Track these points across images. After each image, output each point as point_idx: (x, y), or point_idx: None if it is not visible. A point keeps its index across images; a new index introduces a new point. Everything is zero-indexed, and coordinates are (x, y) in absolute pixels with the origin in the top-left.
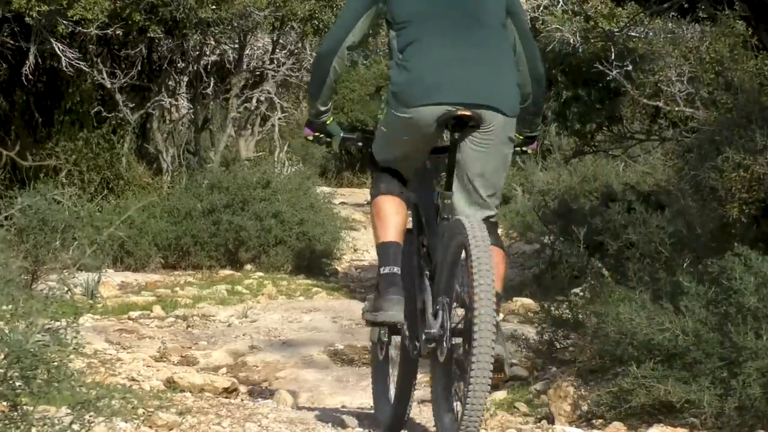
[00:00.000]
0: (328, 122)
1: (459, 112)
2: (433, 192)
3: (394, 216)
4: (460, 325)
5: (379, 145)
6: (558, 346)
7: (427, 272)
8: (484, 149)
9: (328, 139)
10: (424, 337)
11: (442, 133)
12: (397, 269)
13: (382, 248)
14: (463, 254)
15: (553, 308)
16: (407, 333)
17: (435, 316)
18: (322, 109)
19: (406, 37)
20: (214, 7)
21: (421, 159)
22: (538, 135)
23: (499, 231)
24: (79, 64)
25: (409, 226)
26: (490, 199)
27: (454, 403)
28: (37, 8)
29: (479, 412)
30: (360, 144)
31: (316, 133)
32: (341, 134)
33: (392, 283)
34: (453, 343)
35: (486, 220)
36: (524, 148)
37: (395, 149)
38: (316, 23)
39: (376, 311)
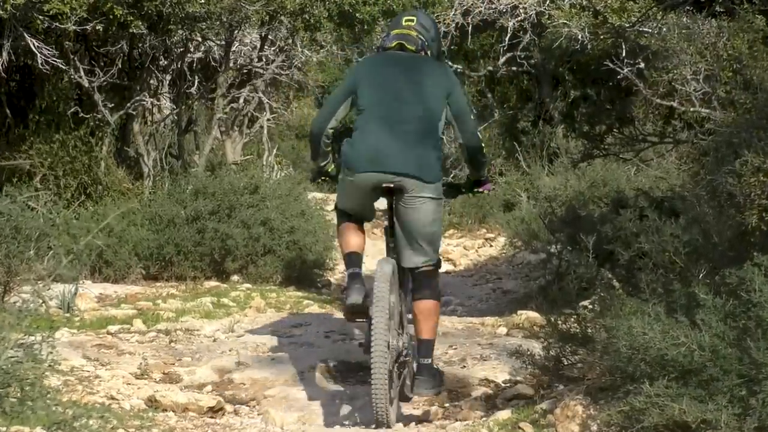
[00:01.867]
0: (329, 170)
1: (384, 185)
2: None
3: (353, 236)
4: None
5: (339, 198)
6: (565, 363)
7: None
8: (410, 207)
9: (332, 178)
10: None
11: (379, 194)
12: (358, 269)
13: (347, 256)
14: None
15: (560, 322)
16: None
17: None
18: (322, 164)
19: (358, 122)
20: (203, 0)
21: (368, 206)
22: (484, 179)
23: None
24: (55, 61)
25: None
26: (426, 247)
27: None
28: (11, 1)
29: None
30: None
31: (322, 177)
32: (340, 175)
33: (354, 278)
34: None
35: (421, 269)
36: (477, 190)
37: (349, 201)
38: (307, 18)
39: (346, 299)
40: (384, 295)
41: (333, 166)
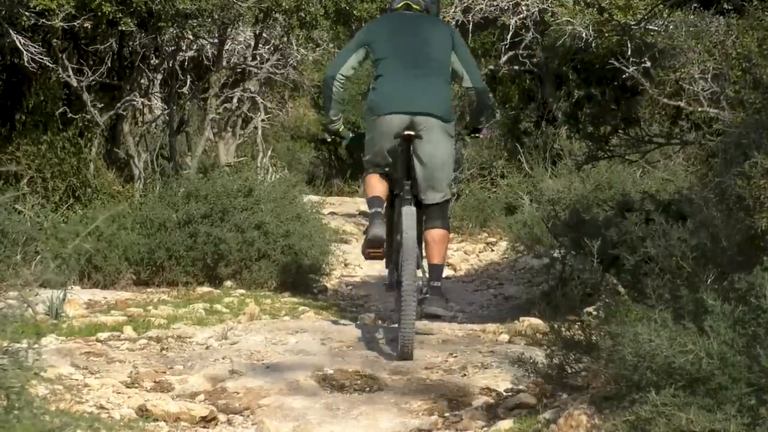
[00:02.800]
0: (339, 129)
1: (405, 133)
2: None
3: (377, 183)
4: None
5: (366, 149)
6: (569, 371)
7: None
8: (430, 143)
9: (341, 140)
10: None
11: (400, 135)
12: (380, 209)
13: (370, 199)
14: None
15: (563, 329)
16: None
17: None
18: (333, 118)
19: (378, 71)
20: None
21: (392, 145)
22: (482, 126)
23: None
24: (42, 59)
25: None
26: (443, 183)
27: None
28: None
29: (409, 326)
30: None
31: (333, 136)
32: (350, 136)
33: (376, 216)
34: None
35: (434, 205)
36: (474, 135)
37: (375, 146)
38: (303, 15)
39: (368, 233)
40: (412, 243)
41: (342, 125)
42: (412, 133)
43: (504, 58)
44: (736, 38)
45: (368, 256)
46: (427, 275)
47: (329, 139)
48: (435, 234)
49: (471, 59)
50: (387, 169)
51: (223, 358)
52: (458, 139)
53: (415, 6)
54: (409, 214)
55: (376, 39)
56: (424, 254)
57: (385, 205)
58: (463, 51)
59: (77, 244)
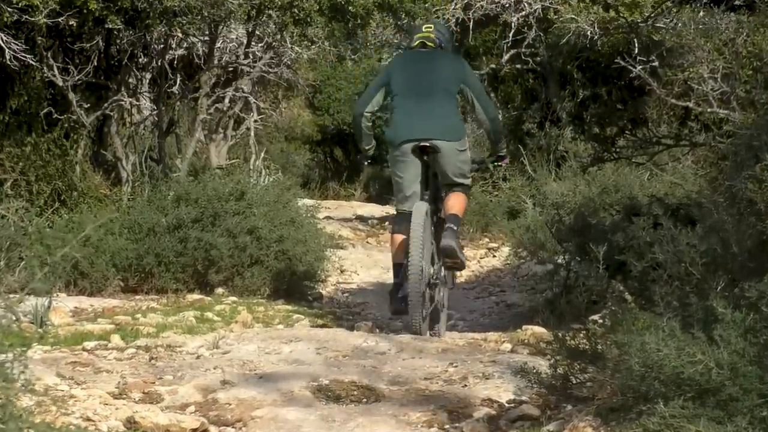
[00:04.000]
0: (372, 153)
1: (421, 144)
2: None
3: (403, 245)
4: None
5: (395, 192)
6: (574, 381)
7: None
8: (443, 161)
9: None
10: None
11: (418, 158)
12: (399, 280)
13: (394, 264)
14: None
15: (568, 338)
16: None
17: None
18: (366, 148)
19: (393, 104)
20: None
21: (415, 167)
22: (504, 154)
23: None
24: (26, 58)
25: None
26: (461, 177)
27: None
28: None
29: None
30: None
31: (367, 161)
32: (383, 157)
33: (397, 285)
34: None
35: (459, 183)
36: (497, 163)
37: (399, 179)
38: (297, 12)
39: (390, 298)
40: (419, 230)
41: (374, 150)
42: (427, 143)
43: (506, 57)
44: (747, 36)
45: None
46: (446, 219)
47: (366, 164)
48: (453, 194)
49: (482, 90)
50: (410, 208)
51: (214, 368)
52: (481, 167)
53: (429, 44)
54: (420, 207)
55: (393, 75)
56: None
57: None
58: (474, 81)
59: (66, 252)
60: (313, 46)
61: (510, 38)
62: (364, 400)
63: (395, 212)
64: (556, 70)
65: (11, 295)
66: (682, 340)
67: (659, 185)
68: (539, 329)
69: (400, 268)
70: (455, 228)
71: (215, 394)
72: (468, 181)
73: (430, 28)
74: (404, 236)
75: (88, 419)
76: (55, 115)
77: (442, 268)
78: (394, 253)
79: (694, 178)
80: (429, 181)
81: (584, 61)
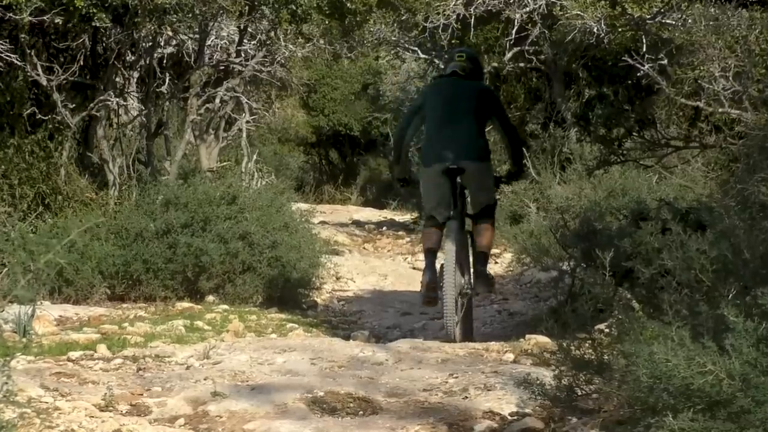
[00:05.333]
0: (405, 175)
1: (449, 166)
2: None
3: (432, 235)
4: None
5: (424, 201)
6: (579, 393)
7: None
8: (470, 180)
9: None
10: None
11: (447, 178)
12: (432, 259)
13: (425, 251)
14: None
15: (573, 348)
16: None
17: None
18: (400, 169)
19: (426, 129)
20: None
21: (444, 194)
22: (527, 168)
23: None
24: (9, 56)
25: None
26: (486, 197)
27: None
28: None
29: (450, 314)
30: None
31: (402, 183)
32: (414, 178)
33: (428, 267)
34: None
35: (485, 206)
36: (511, 181)
37: (429, 194)
38: (293, 8)
39: (422, 282)
40: (451, 247)
41: (407, 172)
42: (455, 166)
43: (509, 55)
44: (760, 33)
45: (424, 303)
46: (474, 265)
47: (400, 186)
48: (480, 227)
49: (508, 118)
50: (440, 218)
51: (204, 379)
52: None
53: (461, 72)
54: (453, 226)
55: (426, 101)
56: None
57: (436, 255)
58: (501, 111)
59: (50, 258)
60: (308, 44)
61: (513, 35)
62: (361, 412)
63: (425, 215)
64: (560, 69)
65: None
66: (691, 350)
67: (668, 189)
68: (543, 338)
69: (429, 253)
70: (484, 269)
71: (206, 407)
72: (493, 199)
73: (462, 56)
74: (434, 228)
75: None
76: (39, 116)
77: (471, 279)
78: (424, 242)
79: (705, 181)
80: (457, 198)
81: (590, 59)
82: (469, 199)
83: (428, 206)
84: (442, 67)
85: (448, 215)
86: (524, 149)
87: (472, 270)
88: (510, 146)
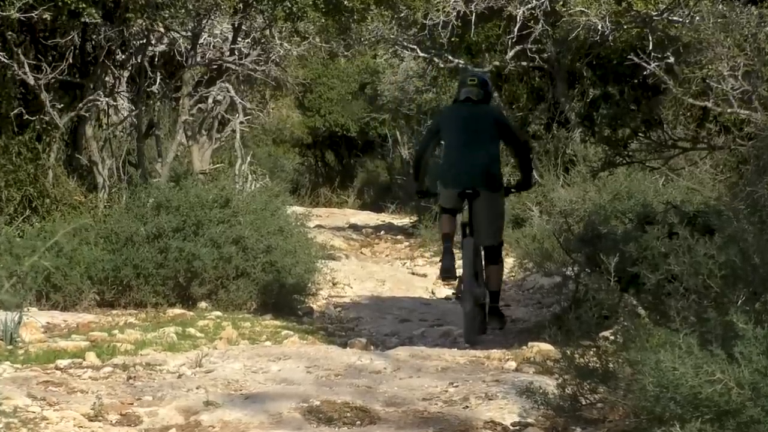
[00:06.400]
0: (425, 188)
1: (465, 191)
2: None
3: (447, 222)
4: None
5: (441, 199)
6: (583, 402)
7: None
8: (481, 207)
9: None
10: None
11: (462, 198)
12: (449, 244)
13: (443, 236)
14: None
15: (577, 355)
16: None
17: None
18: (421, 183)
19: (443, 151)
20: None
21: (458, 203)
22: (534, 182)
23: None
24: None
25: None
26: (495, 233)
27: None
28: None
29: (470, 319)
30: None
31: (421, 194)
32: (434, 191)
33: (447, 251)
34: None
35: (490, 246)
36: (521, 191)
37: (445, 201)
38: (289, 5)
39: (441, 264)
40: (469, 260)
41: (427, 184)
42: (470, 191)
43: (510, 53)
44: None
45: (445, 281)
46: (488, 297)
47: (419, 196)
48: (491, 269)
49: (517, 136)
50: (455, 211)
51: (197, 388)
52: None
53: (474, 98)
54: (468, 244)
55: (443, 124)
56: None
57: (453, 239)
58: (511, 131)
59: (34, 261)
60: (304, 42)
61: (515, 33)
62: (358, 422)
63: (441, 208)
64: (564, 68)
65: None
66: (699, 358)
67: (675, 191)
68: (546, 346)
69: (446, 237)
70: (497, 306)
71: (198, 416)
72: (500, 240)
73: (474, 81)
74: (449, 216)
75: None
76: (27, 116)
77: (485, 289)
78: (442, 227)
79: (713, 183)
80: (471, 213)
81: (595, 57)
82: (478, 226)
83: (445, 203)
84: (456, 91)
85: (464, 225)
86: (532, 163)
87: (486, 300)
88: (521, 164)
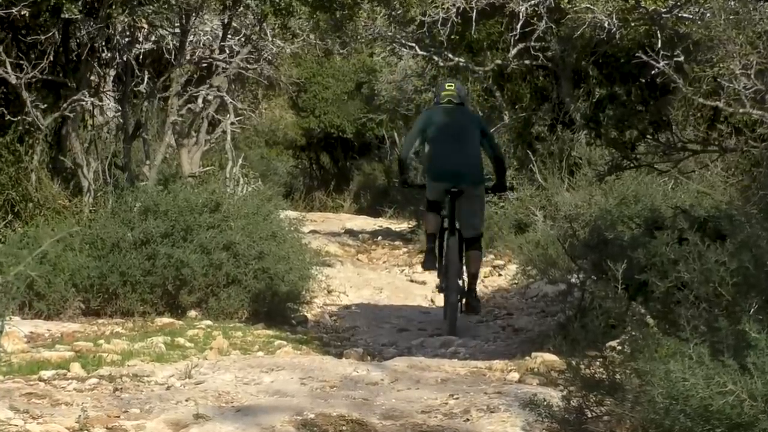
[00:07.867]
0: (410, 181)
1: (451, 189)
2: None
3: (432, 220)
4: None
5: (427, 192)
6: (590, 415)
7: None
8: (467, 201)
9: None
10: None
11: (448, 196)
12: (432, 245)
13: (427, 235)
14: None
15: (583, 366)
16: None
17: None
18: (408, 180)
19: (430, 148)
20: None
21: (443, 198)
22: (506, 186)
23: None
24: None
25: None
26: (477, 225)
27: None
28: None
29: (453, 312)
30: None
31: (405, 185)
32: (420, 183)
33: (430, 251)
34: None
35: (472, 238)
36: (500, 193)
37: (432, 194)
38: (279, 1)
39: (423, 263)
40: (454, 257)
41: (412, 178)
42: (455, 189)
43: (513, 52)
44: None
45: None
46: (467, 281)
47: (403, 188)
48: (471, 254)
49: (493, 135)
50: (440, 209)
51: (186, 401)
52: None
53: (454, 101)
54: (453, 242)
55: (428, 125)
56: (464, 270)
57: (436, 239)
58: (488, 130)
59: (20, 270)
60: (297, 40)
61: (518, 31)
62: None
63: (427, 200)
64: (569, 67)
65: None
66: (710, 369)
67: (684, 195)
68: (550, 357)
69: (431, 238)
70: (474, 289)
71: (187, 430)
72: (481, 230)
73: (451, 87)
74: (435, 214)
75: None
76: (8, 117)
77: (466, 282)
78: (426, 226)
79: (724, 187)
80: (455, 210)
81: (601, 56)
82: (462, 220)
83: (431, 196)
84: (436, 97)
85: (448, 222)
86: (506, 166)
87: (465, 289)
88: (496, 165)
